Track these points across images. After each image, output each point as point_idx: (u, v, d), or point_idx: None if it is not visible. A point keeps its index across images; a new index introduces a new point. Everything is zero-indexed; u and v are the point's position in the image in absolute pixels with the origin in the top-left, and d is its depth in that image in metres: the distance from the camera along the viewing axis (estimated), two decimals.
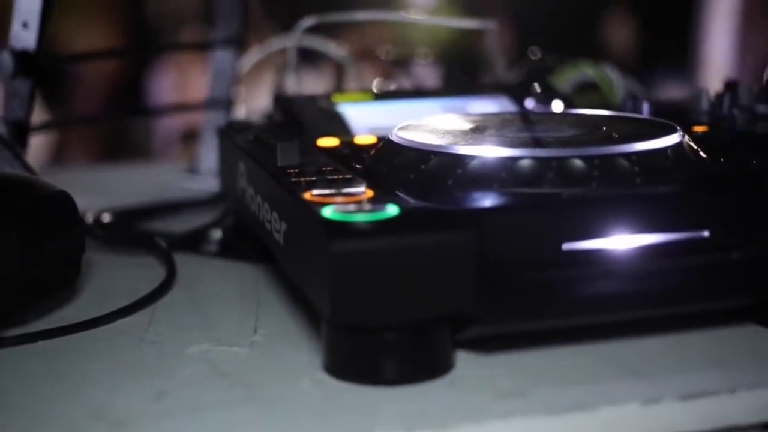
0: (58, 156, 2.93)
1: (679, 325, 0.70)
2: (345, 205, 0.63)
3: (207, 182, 1.17)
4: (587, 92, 1.20)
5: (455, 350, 0.65)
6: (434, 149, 0.71)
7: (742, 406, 0.61)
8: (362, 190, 0.66)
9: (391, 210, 0.62)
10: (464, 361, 0.65)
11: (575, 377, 0.63)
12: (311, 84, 1.43)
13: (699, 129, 0.87)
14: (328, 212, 0.61)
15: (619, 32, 3.51)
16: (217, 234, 0.92)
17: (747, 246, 0.67)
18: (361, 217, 0.61)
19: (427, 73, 1.51)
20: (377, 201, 0.64)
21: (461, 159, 0.68)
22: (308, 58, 1.30)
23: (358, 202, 0.63)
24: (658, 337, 0.69)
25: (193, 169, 1.26)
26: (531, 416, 0.58)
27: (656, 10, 3.48)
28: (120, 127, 3.06)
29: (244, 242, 0.89)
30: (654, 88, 2.61)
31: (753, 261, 0.67)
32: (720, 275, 0.67)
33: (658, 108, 0.95)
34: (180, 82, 2.90)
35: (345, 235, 0.59)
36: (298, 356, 0.67)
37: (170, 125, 2.65)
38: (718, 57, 3.32)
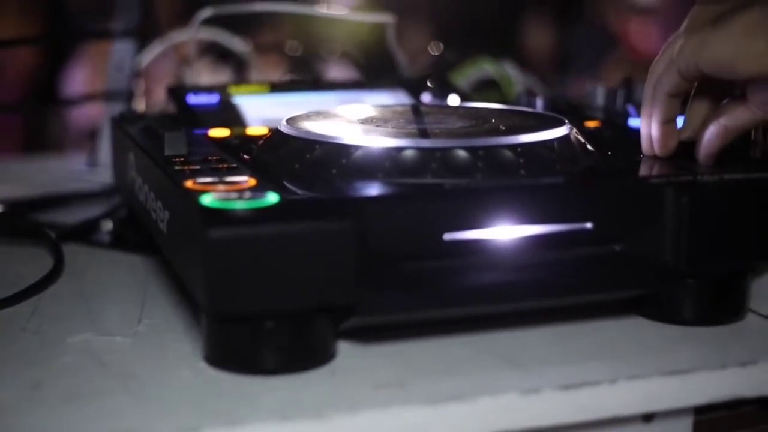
0: None
1: (562, 317, 0.70)
2: (226, 193, 0.62)
3: (105, 174, 1.15)
4: (488, 89, 1.20)
5: (337, 340, 0.64)
6: (319, 139, 0.70)
7: (623, 397, 0.62)
8: (245, 179, 0.66)
9: (271, 198, 0.61)
10: (346, 351, 0.65)
11: (455, 368, 0.63)
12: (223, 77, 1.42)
13: (591, 124, 0.88)
14: (206, 200, 0.61)
15: (539, 33, 3.53)
16: (108, 225, 0.91)
17: (629, 239, 0.68)
18: (239, 205, 0.60)
19: (333, 69, 1.51)
20: (259, 190, 0.63)
21: (345, 149, 0.68)
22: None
23: (240, 191, 0.63)
24: (540, 329, 0.69)
25: (91, 162, 1.24)
26: (409, 406, 0.58)
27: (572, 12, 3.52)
28: (36, 119, 3.02)
29: (135, 233, 0.88)
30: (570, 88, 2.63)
31: (635, 253, 0.68)
32: (602, 267, 0.68)
33: (553, 103, 0.96)
34: (98, 74, 2.85)
35: (221, 222, 0.58)
36: (181, 346, 0.67)
37: (86, 117, 2.61)
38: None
